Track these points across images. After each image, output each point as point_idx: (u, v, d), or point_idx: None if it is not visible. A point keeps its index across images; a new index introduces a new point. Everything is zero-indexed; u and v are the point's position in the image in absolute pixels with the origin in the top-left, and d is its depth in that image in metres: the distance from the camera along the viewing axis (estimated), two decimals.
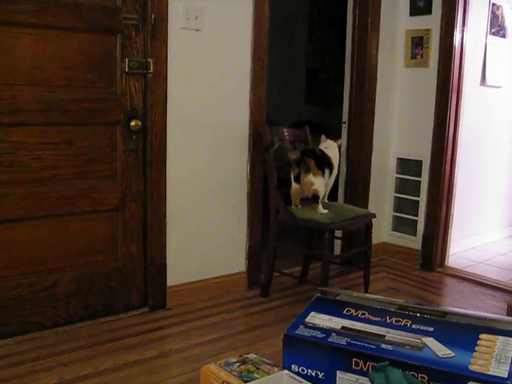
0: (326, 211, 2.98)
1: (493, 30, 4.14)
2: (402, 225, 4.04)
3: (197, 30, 2.86)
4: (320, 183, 2.97)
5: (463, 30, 3.65)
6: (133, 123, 2.70)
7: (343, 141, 3.81)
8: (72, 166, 2.60)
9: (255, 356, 1.35)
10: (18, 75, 2.40)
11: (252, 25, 3.08)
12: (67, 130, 2.56)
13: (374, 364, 1.11)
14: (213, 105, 3.01)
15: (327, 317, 1.29)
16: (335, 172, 3.14)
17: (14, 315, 2.52)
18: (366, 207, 3.78)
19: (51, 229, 2.59)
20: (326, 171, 3.01)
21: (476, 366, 1.06)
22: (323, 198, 3.08)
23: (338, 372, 1.18)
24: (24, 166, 2.46)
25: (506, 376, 1.02)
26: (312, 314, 1.31)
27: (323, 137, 3.20)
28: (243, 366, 1.28)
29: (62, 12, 2.46)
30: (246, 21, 3.06)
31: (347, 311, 1.31)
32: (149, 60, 2.72)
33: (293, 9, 6.59)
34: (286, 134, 3.29)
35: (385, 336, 1.19)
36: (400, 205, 4.04)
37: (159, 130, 2.80)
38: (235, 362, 1.31)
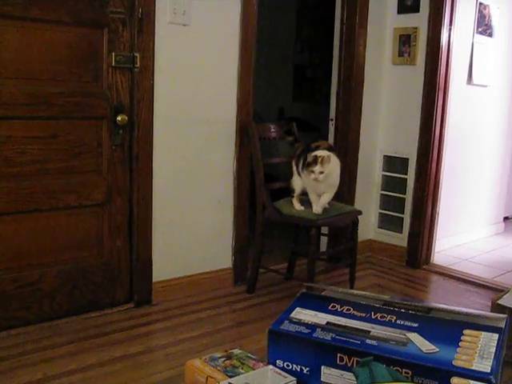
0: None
1: (480, 29, 4.17)
2: (388, 222, 4.05)
3: (184, 25, 2.85)
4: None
5: (450, 29, 3.67)
6: (119, 118, 2.69)
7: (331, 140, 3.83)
8: (58, 160, 2.57)
9: (240, 351, 1.35)
10: (3, 68, 2.37)
11: (240, 20, 3.07)
12: (53, 124, 2.54)
13: (359, 359, 1.11)
14: (200, 100, 2.99)
15: (312, 312, 1.30)
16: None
17: None
18: (353, 204, 3.80)
19: (36, 223, 2.57)
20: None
21: (460, 362, 1.07)
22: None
23: (322, 367, 1.18)
24: (9, 160, 2.44)
25: (488, 371, 1.03)
26: (297, 309, 1.32)
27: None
28: (228, 361, 1.29)
29: (49, 5, 2.43)
30: (234, 16, 3.05)
31: (332, 307, 1.32)
32: (136, 54, 2.70)
33: (281, 6, 6.59)
34: (272, 130, 3.30)
35: (369, 331, 1.20)
36: (386, 202, 4.06)
37: (146, 124, 2.79)
38: (220, 357, 1.31)
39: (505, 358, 1.18)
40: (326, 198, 2.97)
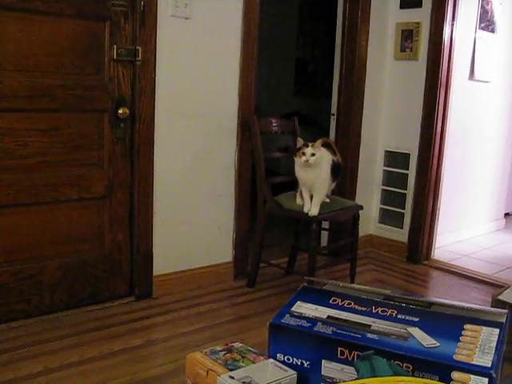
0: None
1: (482, 25, 4.15)
2: (389, 217, 4.05)
3: (186, 18, 2.84)
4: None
5: (453, 24, 3.66)
6: (120, 111, 2.68)
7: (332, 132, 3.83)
8: (59, 153, 2.57)
9: (241, 345, 1.35)
10: (4, 60, 2.37)
11: (242, 14, 3.06)
12: (54, 117, 2.54)
13: (360, 353, 1.11)
14: (201, 93, 2.99)
15: (313, 306, 1.29)
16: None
17: None
18: (354, 199, 3.79)
19: (37, 216, 2.57)
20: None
21: (460, 356, 1.07)
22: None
23: (323, 361, 1.18)
24: (10, 153, 2.44)
25: (489, 365, 1.03)
26: (298, 303, 1.32)
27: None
28: (229, 355, 1.28)
29: None
30: (236, 9, 3.04)
31: (333, 301, 1.31)
32: (137, 47, 2.69)
33: (283, 0, 6.57)
34: (274, 124, 3.29)
35: (370, 326, 1.20)
36: (387, 197, 4.06)
37: (147, 118, 2.78)
38: (221, 351, 1.31)
39: (505, 353, 1.18)
40: (318, 198, 2.94)
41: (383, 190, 4.07)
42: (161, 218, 2.94)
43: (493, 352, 1.08)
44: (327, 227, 3.78)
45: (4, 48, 2.36)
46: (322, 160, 2.89)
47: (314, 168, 2.86)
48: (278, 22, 6.64)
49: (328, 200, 3.04)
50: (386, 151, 4.02)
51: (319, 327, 1.20)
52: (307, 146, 2.84)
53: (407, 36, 3.80)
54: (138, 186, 2.82)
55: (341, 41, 3.76)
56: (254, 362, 1.24)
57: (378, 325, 1.20)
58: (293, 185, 3.05)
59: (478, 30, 4.12)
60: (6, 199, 2.46)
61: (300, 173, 2.93)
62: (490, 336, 1.13)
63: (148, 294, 2.95)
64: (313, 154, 2.83)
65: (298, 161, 2.87)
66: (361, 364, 1.07)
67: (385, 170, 4.04)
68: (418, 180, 3.83)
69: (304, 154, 2.83)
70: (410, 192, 3.90)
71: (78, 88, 2.57)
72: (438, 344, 1.11)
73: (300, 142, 2.88)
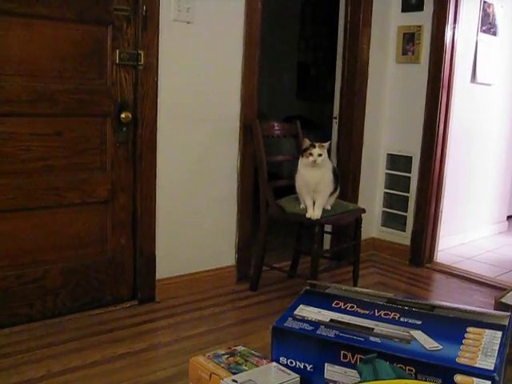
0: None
1: (484, 28, 4.16)
2: (392, 220, 4.05)
3: (188, 23, 2.85)
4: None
5: (454, 27, 3.67)
6: (123, 115, 2.69)
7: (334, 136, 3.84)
8: (62, 157, 2.58)
9: (244, 348, 1.35)
10: (6, 65, 2.38)
11: (244, 17, 3.07)
12: (57, 121, 2.55)
13: (362, 356, 1.11)
14: (203, 97, 3.00)
15: (316, 309, 1.29)
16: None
17: (1, 307, 2.51)
18: (356, 202, 3.79)
19: (40, 220, 2.57)
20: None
21: (463, 359, 1.07)
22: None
23: (326, 364, 1.18)
24: (13, 157, 2.44)
25: (492, 368, 1.03)
26: (301, 306, 1.32)
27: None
28: (231, 358, 1.28)
29: (53, 2, 2.43)
30: (238, 13, 3.05)
31: (336, 304, 1.32)
32: (140, 52, 2.70)
33: (285, 3, 6.58)
34: (276, 128, 3.29)
35: (373, 329, 1.20)
36: (390, 200, 4.06)
37: (149, 122, 2.79)
38: (224, 354, 1.31)
39: (508, 356, 1.18)
40: (321, 200, 2.94)
41: (386, 193, 4.07)
42: (163, 222, 2.94)
43: (495, 355, 1.08)
44: (330, 230, 3.79)
45: (6, 52, 2.37)
46: (327, 161, 2.92)
47: (319, 168, 2.88)
48: (280, 26, 6.65)
49: (329, 207, 3.03)
50: (388, 154, 4.02)
51: (322, 330, 1.20)
52: (314, 147, 2.86)
53: (409, 39, 3.80)
54: (141, 189, 2.82)
55: (343, 44, 3.76)
56: (256, 366, 1.24)
57: (380, 328, 1.20)
58: (295, 188, 3.05)
59: (479, 32, 4.12)
60: (8, 203, 2.46)
61: (305, 173, 2.93)
62: (492, 339, 1.13)
63: (151, 298, 2.96)
64: (320, 155, 2.85)
65: (305, 161, 2.89)
66: (364, 367, 1.07)
67: (387, 173, 4.05)
68: (420, 183, 3.83)
69: (311, 154, 2.86)
70: (412, 195, 3.90)
71: (81, 92, 2.58)
72: (441, 347, 1.11)
73: (306, 142, 2.90)
